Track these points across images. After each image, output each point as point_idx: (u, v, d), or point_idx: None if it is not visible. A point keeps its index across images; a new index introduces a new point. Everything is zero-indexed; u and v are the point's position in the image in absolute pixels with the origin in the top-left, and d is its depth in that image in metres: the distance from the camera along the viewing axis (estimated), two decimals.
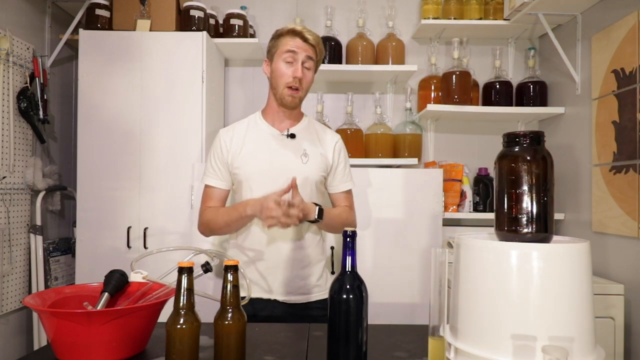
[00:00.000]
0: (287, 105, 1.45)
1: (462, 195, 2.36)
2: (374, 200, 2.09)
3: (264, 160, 1.44)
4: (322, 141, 1.52)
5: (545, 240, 0.89)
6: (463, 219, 2.42)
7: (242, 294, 0.93)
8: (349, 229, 0.88)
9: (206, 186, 1.50)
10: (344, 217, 1.50)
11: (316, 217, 1.36)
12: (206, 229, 1.48)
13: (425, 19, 2.38)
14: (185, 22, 2.22)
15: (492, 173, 2.42)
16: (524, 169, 0.89)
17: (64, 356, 0.93)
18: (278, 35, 1.45)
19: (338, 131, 2.30)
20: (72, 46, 2.48)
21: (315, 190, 1.48)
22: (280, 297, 1.44)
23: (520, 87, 2.41)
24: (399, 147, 2.41)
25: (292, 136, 1.47)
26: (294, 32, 1.42)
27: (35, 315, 2.23)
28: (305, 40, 1.42)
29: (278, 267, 1.44)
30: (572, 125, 2.20)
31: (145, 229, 2.13)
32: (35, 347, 2.22)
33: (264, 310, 1.43)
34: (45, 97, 2.23)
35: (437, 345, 0.83)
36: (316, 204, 1.38)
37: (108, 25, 2.21)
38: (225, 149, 1.47)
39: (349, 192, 1.58)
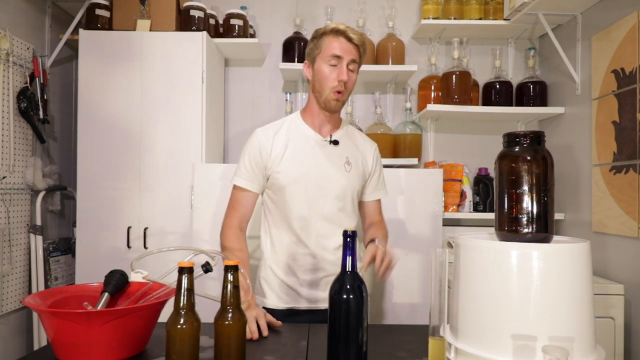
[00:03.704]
0: (331, 110, 1.38)
1: (462, 195, 2.36)
2: None
3: (309, 166, 1.37)
4: (361, 149, 1.48)
5: (546, 240, 0.89)
6: (463, 219, 2.42)
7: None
8: (349, 230, 0.88)
9: (235, 187, 1.40)
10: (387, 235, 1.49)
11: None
12: (222, 243, 1.41)
13: (425, 19, 2.38)
14: (185, 22, 2.21)
15: (492, 173, 2.42)
16: (524, 169, 0.89)
17: (64, 356, 0.93)
18: (320, 35, 1.36)
19: None
20: (72, 46, 2.48)
21: (354, 200, 1.43)
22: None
23: (520, 87, 2.40)
24: (399, 147, 2.41)
25: (336, 143, 1.41)
26: (337, 32, 1.34)
27: (35, 315, 2.23)
28: (349, 40, 1.33)
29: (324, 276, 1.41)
30: (572, 125, 2.20)
31: (145, 229, 2.13)
32: (35, 347, 2.22)
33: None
34: (45, 97, 2.23)
35: (437, 345, 0.83)
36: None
37: (108, 25, 2.21)
38: (264, 150, 1.38)
39: (379, 201, 1.54)
